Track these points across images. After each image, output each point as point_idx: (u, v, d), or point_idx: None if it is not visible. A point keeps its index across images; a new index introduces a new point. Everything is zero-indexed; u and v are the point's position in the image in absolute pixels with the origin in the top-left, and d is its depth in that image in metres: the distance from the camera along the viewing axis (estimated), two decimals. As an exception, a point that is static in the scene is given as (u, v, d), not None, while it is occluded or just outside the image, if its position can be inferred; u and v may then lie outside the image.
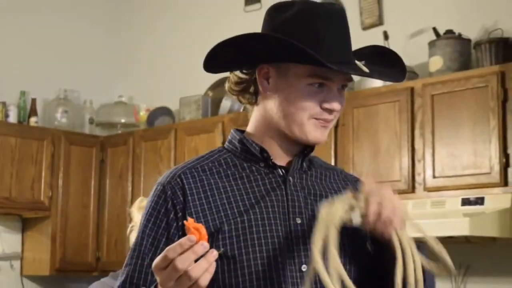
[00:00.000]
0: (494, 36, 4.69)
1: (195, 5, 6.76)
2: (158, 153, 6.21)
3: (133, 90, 7.03)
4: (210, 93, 6.23)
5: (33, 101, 6.57)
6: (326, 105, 2.07)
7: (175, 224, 2.04)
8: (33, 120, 6.50)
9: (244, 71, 2.17)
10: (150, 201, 2.12)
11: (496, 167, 4.34)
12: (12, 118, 6.39)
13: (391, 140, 4.78)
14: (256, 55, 2.12)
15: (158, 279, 1.83)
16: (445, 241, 4.47)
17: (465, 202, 4.40)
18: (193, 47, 6.47)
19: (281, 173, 2.14)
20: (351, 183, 2.27)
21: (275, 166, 2.13)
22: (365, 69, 2.12)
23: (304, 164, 2.20)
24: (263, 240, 2.05)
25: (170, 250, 1.75)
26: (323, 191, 2.20)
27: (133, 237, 4.00)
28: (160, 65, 6.98)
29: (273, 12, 2.13)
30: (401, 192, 4.56)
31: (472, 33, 4.88)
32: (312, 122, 2.09)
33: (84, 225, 6.54)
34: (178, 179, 2.09)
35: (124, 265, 2.09)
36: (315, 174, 2.23)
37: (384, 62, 2.27)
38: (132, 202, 6.18)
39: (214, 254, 1.79)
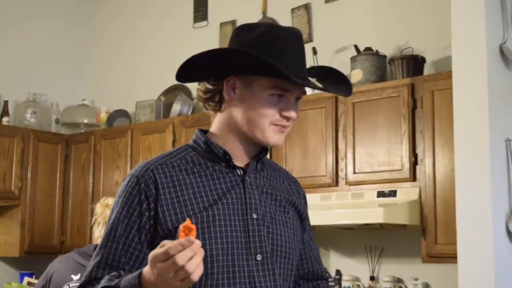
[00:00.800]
0: (405, 54, 4.77)
1: (151, 24, 6.71)
2: (116, 150, 6.18)
3: (94, 94, 6.98)
4: (163, 98, 6.21)
5: (5, 103, 6.49)
6: (285, 113, 2.08)
7: (147, 214, 2.04)
8: (5, 119, 6.42)
9: (212, 82, 2.15)
10: (124, 191, 2.09)
11: (406, 165, 4.42)
12: None
13: (318, 140, 4.83)
14: (226, 67, 2.11)
15: (154, 270, 1.80)
16: (363, 227, 4.66)
17: (380, 194, 4.46)
18: (149, 58, 6.54)
19: (239, 173, 2.15)
20: (293, 183, 2.33)
21: (235, 167, 2.14)
22: (319, 85, 2.15)
23: (258, 165, 2.21)
24: (224, 233, 2.04)
25: (172, 247, 1.74)
26: (273, 189, 2.21)
27: (96, 228, 4.09)
28: (119, 73, 6.92)
29: (240, 32, 2.17)
30: (326, 185, 4.71)
31: (387, 50, 4.94)
32: (272, 128, 2.10)
33: (50, 212, 6.48)
34: (151, 173, 2.07)
35: (98, 247, 2.08)
36: (266, 174, 2.24)
37: (333, 79, 2.27)
38: (93, 193, 6.25)
39: (203, 252, 1.79)
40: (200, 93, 2.20)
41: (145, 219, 2.06)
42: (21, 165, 6.36)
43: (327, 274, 2.31)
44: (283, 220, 2.18)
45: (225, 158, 2.14)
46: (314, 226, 4.92)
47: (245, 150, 2.17)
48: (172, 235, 2.00)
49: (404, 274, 4.77)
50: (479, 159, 3.48)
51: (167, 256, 1.76)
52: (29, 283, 6.26)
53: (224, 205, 2.09)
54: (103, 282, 1.99)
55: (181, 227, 1.80)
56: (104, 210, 4.03)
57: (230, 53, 2.14)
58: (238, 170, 2.16)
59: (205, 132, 2.22)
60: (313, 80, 2.17)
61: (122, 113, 6.59)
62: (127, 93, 6.66)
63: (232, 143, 2.16)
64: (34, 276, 6.37)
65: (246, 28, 2.18)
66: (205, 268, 1.91)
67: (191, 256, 1.75)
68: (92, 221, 4.13)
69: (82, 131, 6.71)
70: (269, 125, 2.10)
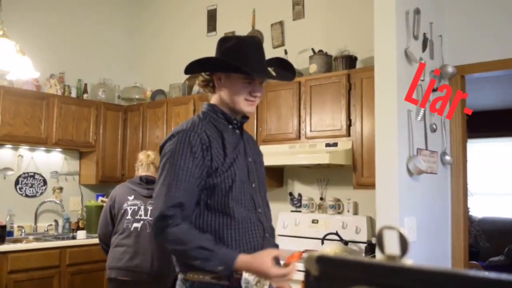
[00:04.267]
0: (344, 54, 4.76)
1: (178, 30, 6.68)
2: (157, 116, 6.13)
3: (143, 78, 6.92)
4: (187, 82, 6.16)
5: (85, 85, 6.48)
6: (253, 94, 2.19)
7: (208, 157, 2.08)
8: (85, 96, 6.41)
9: (207, 75, 2.25)
10: (184, 143, 2.08)
11: (344, 126, 4.42)
12: (73, 94, 6.31)
13: (287, 110, 4.81)
14: (214, 67, 2.22)
15: (246, 264, 1.94)
16: (317, 166, 4.69)
17: (327, 145, 4.47)
18: (177, 54, 6.52)
19: (238, 132, 2.27)
20: (253, 143, 2.38)
21: (237, 127, 2.26)
22: (273, 74, 2.20)
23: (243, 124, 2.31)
24: (239, 169, 2.14)
25: (275, 272, 1.93)
26: (251, 142, 2.35)
27: (139, 167, 4.15)
28: (158, 64, 6.86)
29: (221, 42, 2.22)
30: (292, 139, 4.72)
31: (333, 51, 4.93)
32: (245, 102, 2.20)
33: (114, 155, 6.48)
34: (204, 134, 2.10)
35: (166, 186, 2.03)
36: (245, 134, 2.34)
37: (284, 67, 2.34)
38: (142, 144, 6.28)
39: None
40: (199, 82, 2.30)
41: (205, 161, 2.09)
42: (96, 125, 6.33)
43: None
44: (260, 161, 2.36)
45: (233, 122, 2.25)
46: (284, 166, 4.98)
47: (236, 116, 2.27)
48: (216, 169, 2.09)
49: (342, 196, 4.80)
50: (390, 123, 3.49)
51: (264, 273, 1.93)
52: (101, 201, 6.33)
53: (238, 151, 2.20)
54: (197, 236, 2.02)
55: (295, 253, 2.11)
56: (143, 157, 4.13)
57: (214, 60, 2.21)
58: (238, 130, 2.27)
59: (213, 105, 2.27)
60: (270, 70, 2.21)
61: (160, 92, 6.55)
62: (164, 78, 6.60)
63: (228, 112, 2.25)
64: (105, 196, 6.46)
65: (224, 39, 2.22)
66: (231, 186, 2.11)
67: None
68: (137, 163, 4.20)
69: (135, 103, 6.66)
70: (243, 101, 2.19)
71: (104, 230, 4.01)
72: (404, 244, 0.74)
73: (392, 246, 0.75)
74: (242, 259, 1.95)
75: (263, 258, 1.94)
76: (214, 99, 2.27)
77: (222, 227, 2.09)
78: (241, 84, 2.17)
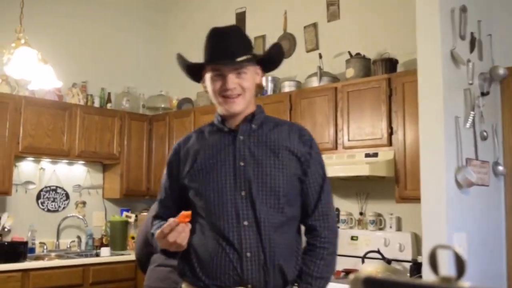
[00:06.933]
0: (384, 57, 4.71)
1: (205, 35, 6.70)
2: (184, 126, 6.14)
3: (168, 86, 6.93)
4: None
5: (109, 94, 6.54)
6: (223, 86, 2.02)
7: (179, 169, 2.16)
8: (108, 105, 6.46)
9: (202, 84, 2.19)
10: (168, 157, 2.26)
11: (385, 135, 4.36)
12: (96, 104, 6.37)
13: (323, 118, 4.76)
14: (189, 72, 2.22)
15: (159, 243, 2.00)
16: (355, 178, 4.62)
17: (367, 155, 4.41)
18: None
19: (231, 135, 2.10)
20: (294, 133, 2.12)
21: (229, 131, 2.10)
22: (240, 59, 2.02)
23: (253, 126, 2.11)
24: (217, 178, 2.03)
25: (165, 228, 1.94)
26: (268, 139, 2.08)
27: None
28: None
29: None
30: (329, 149, 4.65)
31: (371, 54, 4.87)
32: (222, 100, 2.06)
33: (139, 168, 6.49)
34: (177, 145, 2.22)
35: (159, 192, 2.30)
36: (264, 131, 2.11)
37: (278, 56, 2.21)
38: (167, 155, 6.26)
39: (187, 228, 1.94)
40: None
41: (174, 172, 2.17)
42: (120, 136, 6.36)
43: (326, 232, 2.08)
44: (272, 162, 2.03)
45: (222, 128, 2.13)
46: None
47: (232, 118, 2.11)
48: (184, 180, 2.11)
49: (384, 211, 4.73)
50: (436, 131, 3.44)
51: (163, 234, 1.94)
52: (126, 216, 6.36)
53: (220, 158, 2.07)
54: (156, 223, 2.20)
55: (182, 212, 1.95)
56: None
57: (177, 58, 2.21)
58: (231, 133, 2.10)
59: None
60: (241, 59, 2.02)
61: (187, 100, 6.58)
62: (191, 86, 6.48)
63: (224, 116, 2.14)
64: (130, 211, 6.48)
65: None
66: (203, 203, 2.04)
67: (178, 234, 1.93)
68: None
69: (160, 112, 6.68)
70: (220, 98, 2.07)
71: (145, 250, 3.85)
72: (460, 264, 0.71)
73: (444, 266, 0.71)
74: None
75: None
76: None
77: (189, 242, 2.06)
78: (211, 78, 2.07)
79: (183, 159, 2.13)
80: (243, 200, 1.99)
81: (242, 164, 2.02)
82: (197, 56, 2.26)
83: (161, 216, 2.19)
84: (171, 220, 1.95)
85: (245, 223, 1.97)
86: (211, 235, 2.01)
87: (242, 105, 2.07)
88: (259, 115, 2.14)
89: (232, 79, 2.03)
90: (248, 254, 1.95)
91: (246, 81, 2.05)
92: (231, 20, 6.28)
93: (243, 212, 1.97)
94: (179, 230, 1.92)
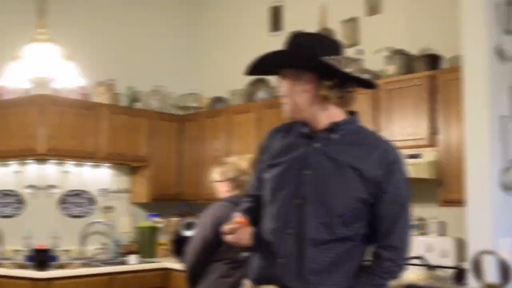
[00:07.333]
0: (426, 53, 4.74)
1: (238, 31, 6.83)
2: (216, 126, 6.26)
3: (200, 85, 7.02)
4: (247, 87, 6.23)
5: (137, 92, 6.62)
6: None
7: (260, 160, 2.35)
8: (136, 105, 6.54)
9: None
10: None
11: (427, 135, 4.43)
12: (123, 103, 6.46)
13: (363, 117, 4.50)
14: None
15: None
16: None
17: (410, 156, 4.40)
18: (237, 59, 6.61)
19: (307, 141, 2.15)
20: (374, 154, 2.10)
21: (307, 136, 2.15)
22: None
23: (333, 136, 2.13)
24: (279, 181, 2.16)
25: (225, 230, 2.21)
26: (339, 156, 2.08)
27: (215, 188, 3.75)
28: (216, 70, 7.03)
29: None
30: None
31: (414, 50, 4.90)
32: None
33: (168, 171, 6.55)
34: (266, 137, 2.36)
35: None
36: (343, 145, 2.12)
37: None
38: (200, 158, 6.38)
39: (246, 230, 2.22)
40: None
41: (260, 158, 2.36)
42: (148, 137, 6.42)
43: (389, 263, 2.12)
44: (336, 180, 2.06)
45: (303, 128, 2.19)
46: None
47: (311, 124, 2.16)
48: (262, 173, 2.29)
49: (426, 215, 4.79)
50: (481, 130, 3.49)
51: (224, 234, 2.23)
52: (155, 221, 6.41)
53: (288, 160, 2.16)
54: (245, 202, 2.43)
55: (237, 217, 2.23)
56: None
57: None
58: (307, 139, 2.15)
59: None
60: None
61: (219, 99, 6.67)
62: (223, 84, 6.72)
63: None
64: (159, 217, 6.53)
65: None
66: (267, 200, 2.20)
67: (237, 237, 2.20)
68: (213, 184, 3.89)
69: (191, 112, 6.78)
70: None
71: (200, 259, 3.64)
72: (506, 271, 0.77)
73: (489, 272, 0.79)
74: None
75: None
76: None
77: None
78: None
79: (266, 153, 2.30)
80: (295, 209, 2.08)
81: (308, 172, 2.09)
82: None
83: (251, 195, 2.38)
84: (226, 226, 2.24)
85: (289, 231, 2.08)
86: (263, 234, 2.23)
87: (287, 112, 2.18)
88: (344, 125, 2.15)
89: (282, 87, 2.18)
90: (282, 261, 2.09)
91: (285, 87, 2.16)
92: (264, 14, 6.44)
93: (290, 220, 2.08)
94: (238, 232, 2.22)
